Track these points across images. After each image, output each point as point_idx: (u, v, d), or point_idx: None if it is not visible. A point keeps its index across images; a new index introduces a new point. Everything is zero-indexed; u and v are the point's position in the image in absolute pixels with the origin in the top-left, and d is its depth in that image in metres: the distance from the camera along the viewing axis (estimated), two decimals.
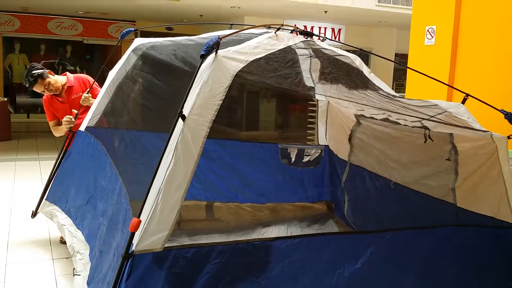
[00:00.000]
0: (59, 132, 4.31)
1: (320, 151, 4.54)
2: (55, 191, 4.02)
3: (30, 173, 6.82)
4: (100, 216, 3.08)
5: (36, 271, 3.60)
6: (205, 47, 2.28)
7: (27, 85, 4.08)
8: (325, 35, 12.60)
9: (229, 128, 11.14)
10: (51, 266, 3.68)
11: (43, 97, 4.27)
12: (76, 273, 2.92)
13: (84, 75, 4.46)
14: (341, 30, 12.79)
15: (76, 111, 4.11)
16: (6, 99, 10.16)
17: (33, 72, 4.02)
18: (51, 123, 4.34)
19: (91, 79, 4.41)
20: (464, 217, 2.95)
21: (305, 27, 12.24)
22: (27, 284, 3.39)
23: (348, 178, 4.26)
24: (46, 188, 4.16)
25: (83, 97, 4.11)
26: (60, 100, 4.23)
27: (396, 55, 13.79)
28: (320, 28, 12.49)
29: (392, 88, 13.93)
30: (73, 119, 4.08)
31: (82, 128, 3.99)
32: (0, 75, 12.47)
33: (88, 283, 2.69)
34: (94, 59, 15.40)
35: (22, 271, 3.59)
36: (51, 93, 4.17)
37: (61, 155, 4.15)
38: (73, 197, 3.69)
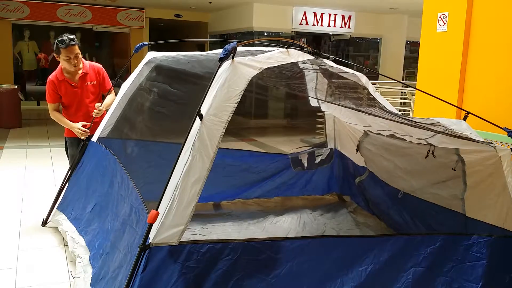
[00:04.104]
0: (58, 121, 4.29)
1: (330, 149, 4.55)
2: (64, 200, 4.11)
3: (41, 160, 6.88)
4: (109, 221, 3.15)
5: (48, 257, 3.64)
6: (223, 51, 2.42)
7: (62, 45, 3.99)
8: (334, 22, 12.47)
9: (240, 117, 11.14)
10: (63, 252, 3.72)
11: (50, 78, 4.22)
12: (75, 276, 3.01)
13: (98, 64, 4.44)
14: (351, 17, 12.64)
15: (89, 124, 4.17)
16: (16, 87, 10.22)
17: (72, 36, 4.06)
18: (51, 106, 4.28)
19: (104, 71, 4.43)
20: (472, 226, 2.98)
21: (315, 13, 12.13)
22: (39, 270, 3.44)
23: (362, 181, 4.29)
24: (57, 197, 4.23)
25: (96, 111, 4.14)
26: (72, 84, 4.22)
27: (407, 42, 13.63)
28: (330, 15, 12.36)
29: (403, 76, 13.70)
30: (87, 130, 4.13)
31: (94, 138, 4.05)
32: (10, 62, 12.52)
33: (92, 285, 2.76)
34: (103, 47, 15.42)
35: (33, 257, 3.64)
36: (72, 69, 4.13)
37: (73, 165, 4.22)
38: (80, 205, 3.77)
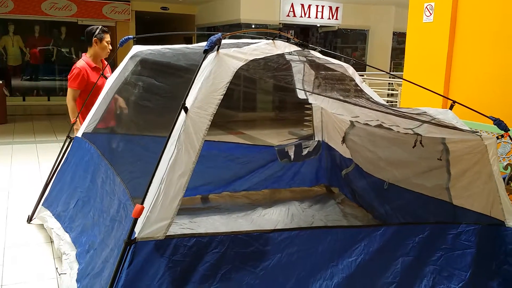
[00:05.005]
0: (71, 112, 4.27)
1: (317, 142, 4.55)
2: (49, 197, 4.07)
3: (27, 156, 6.79)
4: (92, 216, 3.12)
5: (34, 254, 3.60)
6: (208, 42, 2.39)
7: (106, 29, 4.41)
8: (322, 14, 12.45)
9: (227, 110, 11.11)
10: (49, 249, 3.68)
11: (82, 65, 4.26)
12: (61, 272, 2.98)
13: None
14: (338, 8, 12.63)
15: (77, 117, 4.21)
16: (1, 82, 10.06)
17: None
18: (75, 92, 4.25)
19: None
20: (460, 215, 3.01)
21: (302, 5, 12.10)
22: (26, 266, 3.40)
23: (348, 174, 4.29)
24: (42, 193, 4.19)
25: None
26: (102, 72, 4.32)
27: (394, 33, 13.65)
28: (317, 6, 12.34)
29: (390, 67, 13.71)
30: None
31: (79, 134, 4.01)
32: None
33: (78, 280, 2.73)
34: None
35: (20, 254, 3.60)
36: (105, 55, 4.37)
37: (58, 161, 4.18)
38: (64, 201, 3.74)
